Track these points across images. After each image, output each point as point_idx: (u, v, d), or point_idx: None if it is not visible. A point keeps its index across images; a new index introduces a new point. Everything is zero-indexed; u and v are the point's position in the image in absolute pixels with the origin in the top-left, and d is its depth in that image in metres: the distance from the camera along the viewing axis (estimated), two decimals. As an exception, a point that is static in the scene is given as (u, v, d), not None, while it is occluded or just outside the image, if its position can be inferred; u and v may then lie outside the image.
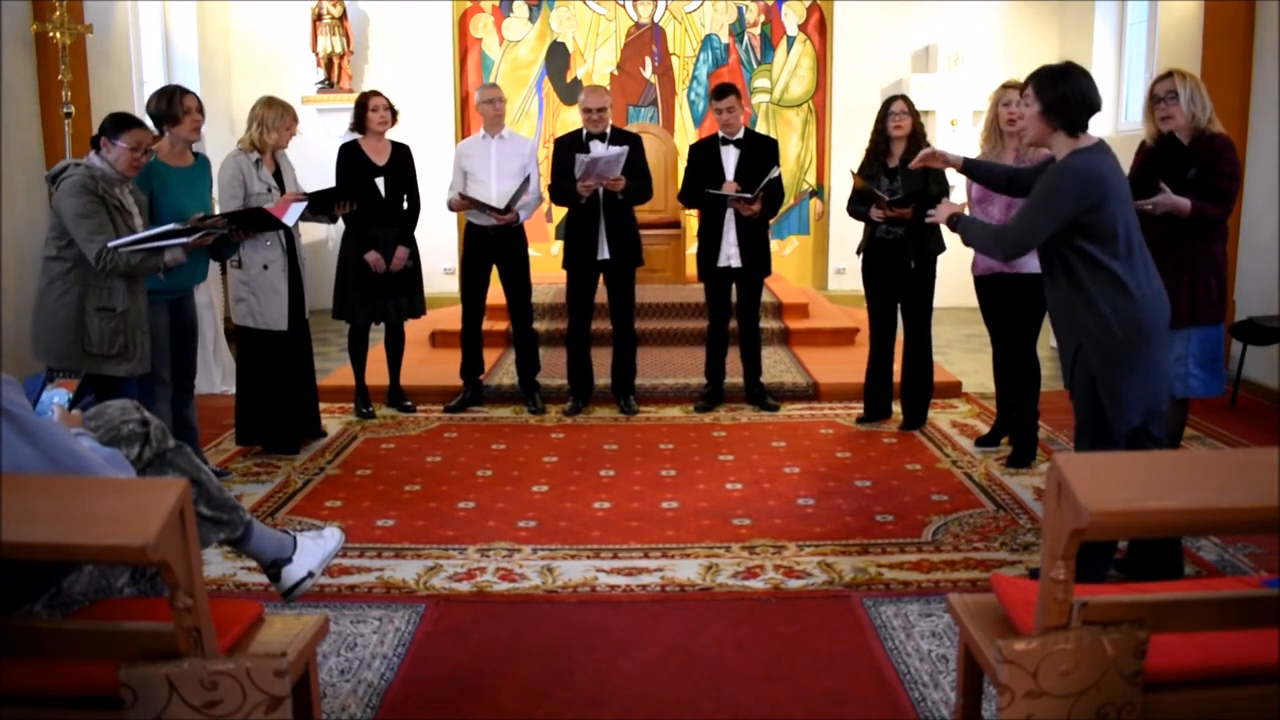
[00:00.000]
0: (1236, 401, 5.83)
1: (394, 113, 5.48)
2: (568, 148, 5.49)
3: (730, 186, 5.47)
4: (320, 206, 4.92)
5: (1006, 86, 4.60)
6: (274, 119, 4.82)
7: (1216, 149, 3.73)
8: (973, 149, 9.22)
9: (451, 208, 5.70)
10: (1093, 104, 3.07)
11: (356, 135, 5.49)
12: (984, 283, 4.76)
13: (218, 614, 2.07)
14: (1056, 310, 3.21)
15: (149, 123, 4.27)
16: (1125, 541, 3.46)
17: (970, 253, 4.78)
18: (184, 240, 3.97)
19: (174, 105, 4.34)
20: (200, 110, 4.44)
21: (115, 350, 3.98)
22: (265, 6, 9.02)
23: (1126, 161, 3.74)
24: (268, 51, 9.07)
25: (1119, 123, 8.35)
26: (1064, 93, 3.02)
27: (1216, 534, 3.78)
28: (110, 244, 3.81)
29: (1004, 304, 4.71)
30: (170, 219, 4.22)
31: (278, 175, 4.91)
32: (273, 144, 4.84)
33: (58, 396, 2.52)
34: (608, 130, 5.51)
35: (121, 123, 3.96)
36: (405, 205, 5.48)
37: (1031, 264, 4.54)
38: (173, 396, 4.46)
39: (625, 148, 5.32)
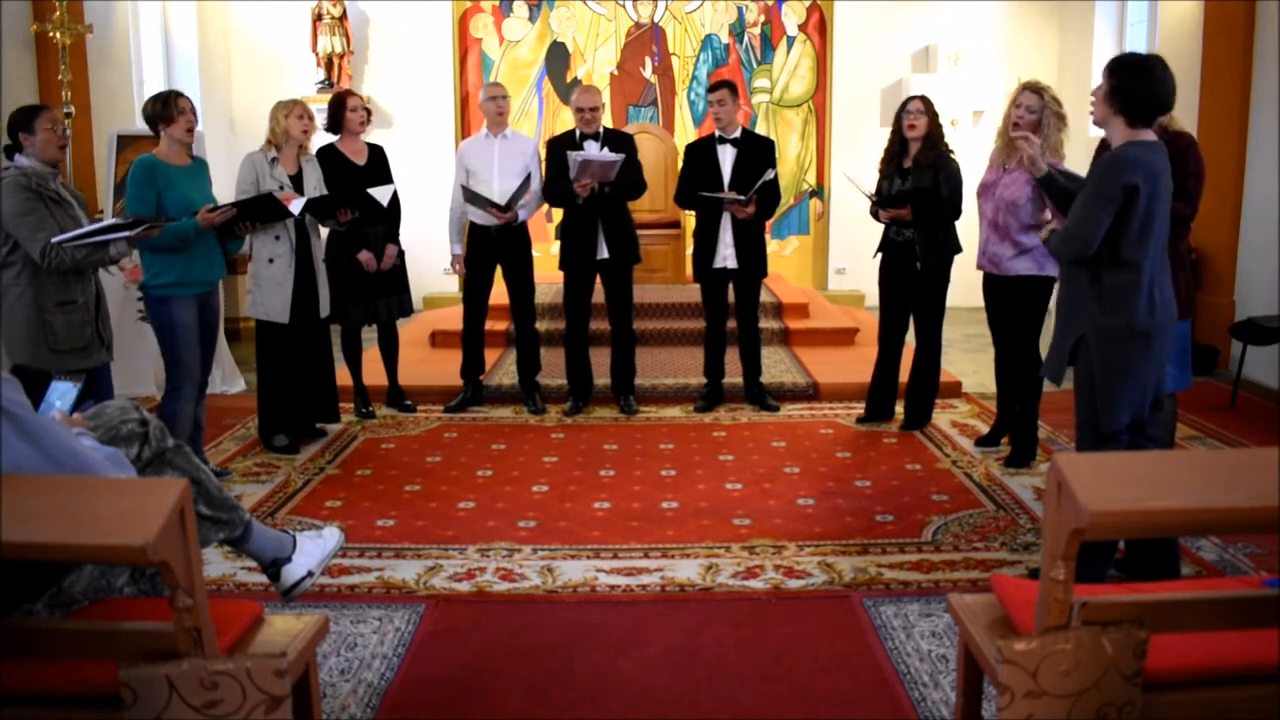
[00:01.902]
0: (1236, 401, 5.83)
1: (369, 113, 5.48)
2: (561, 149, 5.48)
3: (728, 194, 5.46)
4: (321, 211, 4.92)
5: (1023, 87, 4.50)
6: (284, 111, 4.89)
7: (1182, 148, 3.73)
8: (972, 149, 9.21)
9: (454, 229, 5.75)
10: (1157, 101, 3.06)
11: (332, 137, 5.47)
12: (985, 280, 4.77)
13: (218, 614, 2.07)
14: (1071, 300, 3.21)
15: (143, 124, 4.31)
16: (1123, 541, 3.46)
17: (974, 251, 4.79)
18: (127, 234, 3.98)
19: (169, 106, 4.41)
20: (193, 112, 4.50)
21: (84, 342, 4.00)
22: (265, 6, 9.01)
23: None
24: (268, 51, 9.07)
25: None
26: (1128, 83, 3.04)
27: (1216, 534, 3.78)
28: (53, 239, 3.82)
29: (1001, 303, 4.72)
30: (180, 212, 4.29)
31: (299, 178, 4.93)
32: (282, 134, 4.87)
33: (59, 400, 2.51)
34: (600, 130, 5.51)
35: (29, 112, 3.99)
36: (386, 205, 5.46)
37: (1021, 265, 4.55)
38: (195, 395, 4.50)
39: (623, 155, 5.32)
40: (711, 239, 5.57)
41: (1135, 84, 3.04)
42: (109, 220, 4.01)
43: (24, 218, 3.84)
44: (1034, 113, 4.40)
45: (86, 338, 4.01)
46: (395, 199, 5.48)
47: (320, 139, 5.48)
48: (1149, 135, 3.09)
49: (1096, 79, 9.05)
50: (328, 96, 8.69)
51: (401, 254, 5.54)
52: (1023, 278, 4.58)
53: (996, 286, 4.69)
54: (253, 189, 4.78)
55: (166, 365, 4.44)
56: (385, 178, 5.42)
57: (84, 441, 2.20)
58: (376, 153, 5.49)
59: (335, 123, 5.40)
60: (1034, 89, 4.45)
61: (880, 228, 5.26)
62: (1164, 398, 3.25)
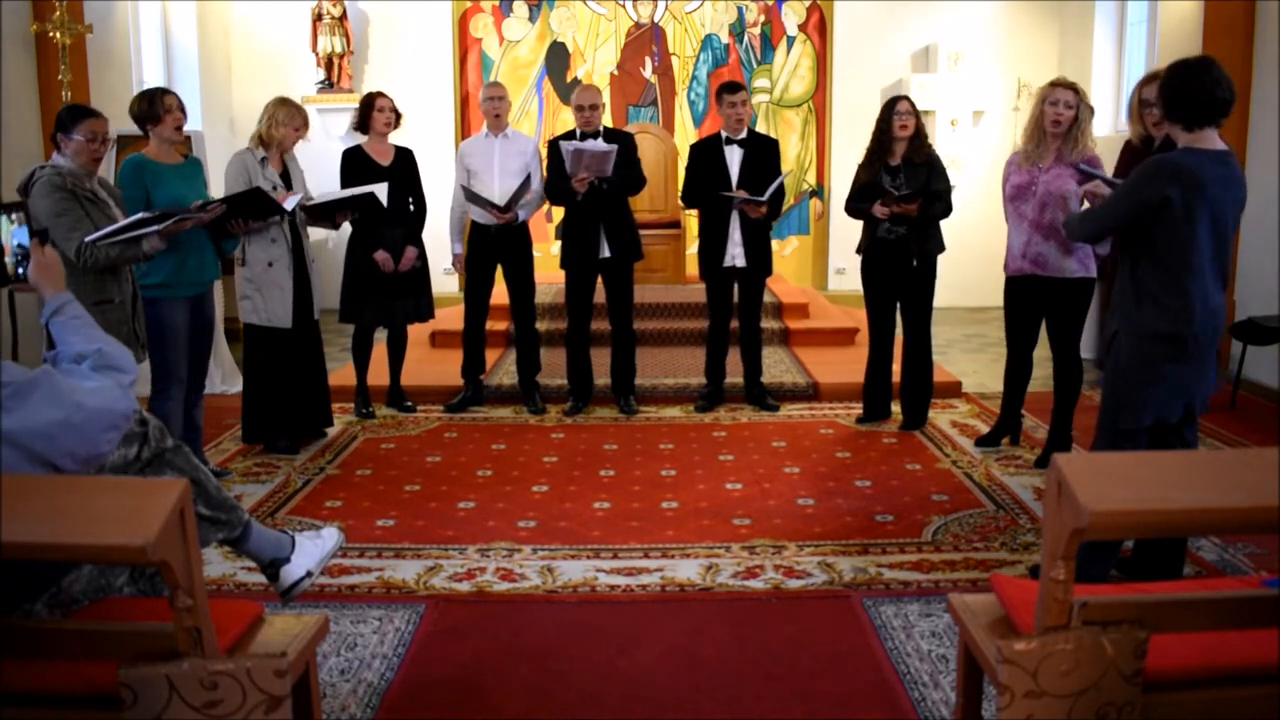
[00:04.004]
0: (1236, 401, 5.83)
1: (398, 115, 5.47)
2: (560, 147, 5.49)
3: (741, 194, 5.46)
4: (321, 214, 4.92)
5: (1055, 84, 4.42)
6: (285, 116, 4.85)
7: None
8: (972, 149, 9.19)
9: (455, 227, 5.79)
10: (1203, 104, 3.02)
11: (359, 137, 5.49)
12: (1015, 283, 4.64)
13: (218, 614, 2.07)
14: (1117, 295, 3.23)
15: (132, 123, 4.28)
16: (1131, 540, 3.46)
17: (985, 248, 4.76)
18: (158, 228, 3.96)
19: (155, 105, 4.36)
20: (182, 109, 4.45)
21: (122, 341, 3.97)
22: (265, 6, 9.01)
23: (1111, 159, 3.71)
24: (268, 51, 9.07)
25: (1118, 123, 8.34)
26: (1177, 87, 3.03)
27: (1216, 534, 3.78)
28: (87, 239, 3.81)
29: (1038, 306, 4.61)
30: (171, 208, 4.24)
31: (285, 177, 4.92)
32: (279, 140, 4.85)
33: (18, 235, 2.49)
34: (601, 130, 5.51)
35: (75, 114, 3.94)
36: (411, 208, 5.47)
37: (1071, 265, 4.45)
38: (184, 396, 4.48)
39: (615, 146, 5.31)
40: (720, 238, 5.57)
41: (1174, 87, 3.03)
42: (138, 215, 3.98)
43: (59, 218, 3.81)
44: (1071, 108, 4.35)
45: (124, 336, 3.98)
46: (420, 199, 5.49)
47: (327, 138, 5.49)
48: (1211, 140, 3.06)
49: (1097, 79, 9.06)
50: (328, 97, 8.79)
51: (423, 255, 5.54)
52: (1070, 280, 4.46)
53: (1036, 288, 4.54)
54: (244, 188, 4.75)
55: (152, 367, 4.39)
56: (410, 180, 5.42)
57: (82, 383, 2.17)
58: (403, 154, 5.49)
59: (363, 122, 5.42)
60: (1069, 85, 4.40)
61: (860, 225, 5.26)
62: (1197, 407, 3.24)
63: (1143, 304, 3.10)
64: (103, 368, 2.26)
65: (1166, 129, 3.13)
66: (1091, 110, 4.44)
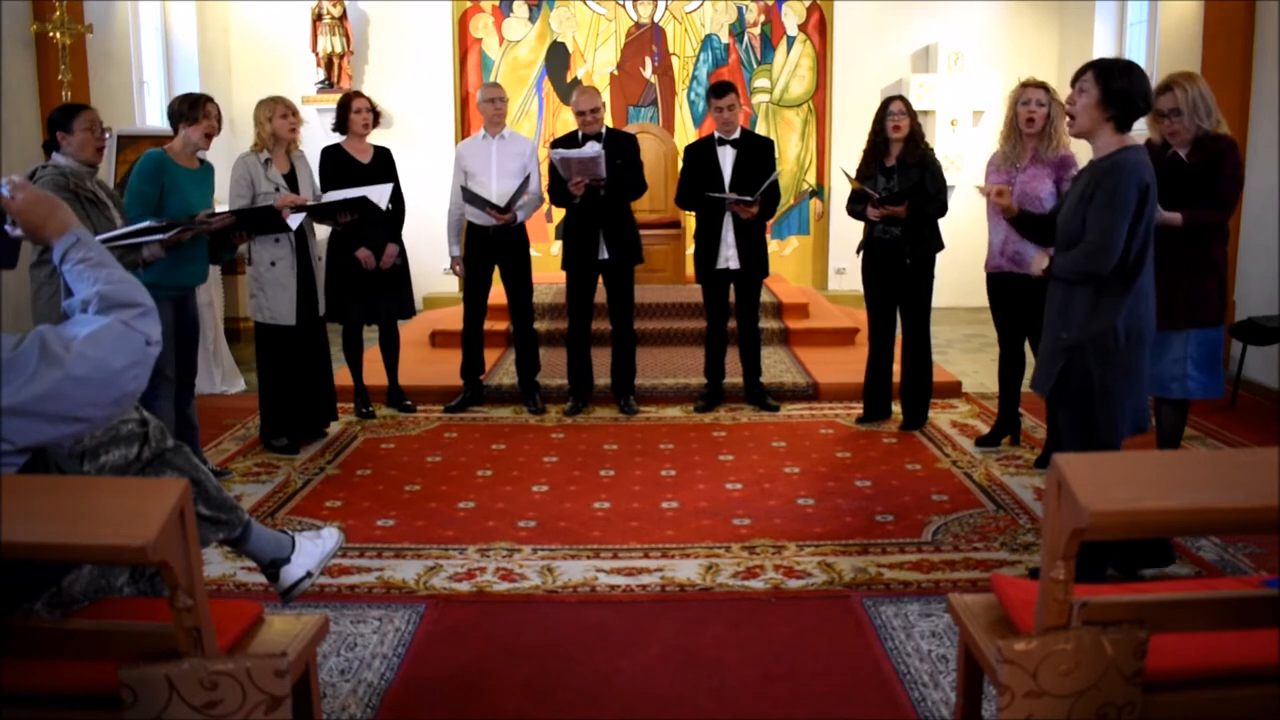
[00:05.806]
0: (1236, 401, 5.82)
1: (375, 114, 5.50)
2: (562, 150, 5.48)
3: (731, 195, 5.46)
4: (323, 214, 4.93)
5: (1026, 85, 4.52)
6: (267, 112, 4.86)
7: (1221, 150, 3.71)
8: (973, 149, 9.19)
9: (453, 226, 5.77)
10: (1149, 104, 3.07)
11: (339, 137, 5.49)
12: (995, 280, 4.74)
13: (218, 614, 2.07)
14: (1067, 306, 3.15)
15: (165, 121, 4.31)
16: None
17: (983, 247, 4.76)
18: (161, 237, 3.96)
19: (195, 108, 4.43)
20: (219, 120, 4.51)
21: None
22: (265, 6, 9.01)
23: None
24: (268, 51, 9.07)
25: (1119, 123, 8.33)
26: (1126, 87, 3.00)
27: (1216, 534, 3.78)
28: None
29: (1018, 302, 4.67)
30: (178, 215, 4.24)
31: (291, 176, 4.93)
32: (271, 134, 4.84)
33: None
34: (603, 131, 5.51)
35: (69, 111, 3.98)
36: (390, 206, 5.47)
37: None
38: (174, 394, 4.47)
39: (601, 150, 5.30)
40: (714, 240, 5.57)
41: (1133, 88, 3.00)
42: (143, 223, 3.98)
43: None
44: (1043, 105, 4.42)
45: None
46: (399, 197, 5.49)
47: (327, 138, 5.49)
48: (1132, 138, 3.08)
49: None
50: (328, 97, 8.77)
51: (403, 254, 5.54)
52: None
53: (1014, 285, 4.62)
54: (248, 190, 4.76)
55: None
56: (389, 177, 5.43)
57: (79, 333, 2.10)
58: (382, 153, 5.50)
59: (342, 123, 5.42)
60: (1039, 85, 4.48)
61: (860, 225, 5.27)
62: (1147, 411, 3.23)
63: (1110, 312, 3.04)
64: (108, 308, 2.12)
65: (1097, 125, 3.06)
66: (1064, 108, 4.47)
